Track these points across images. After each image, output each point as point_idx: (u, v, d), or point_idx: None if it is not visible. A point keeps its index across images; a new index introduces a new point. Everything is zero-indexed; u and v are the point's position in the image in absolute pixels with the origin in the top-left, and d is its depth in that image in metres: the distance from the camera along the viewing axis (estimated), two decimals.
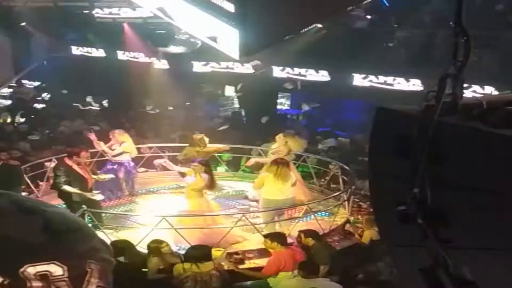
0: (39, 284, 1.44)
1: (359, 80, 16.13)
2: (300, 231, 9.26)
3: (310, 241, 8.94)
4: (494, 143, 1.83)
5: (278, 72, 18.07)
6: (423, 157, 1.90)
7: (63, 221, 1.54)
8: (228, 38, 7.30)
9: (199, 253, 8.06)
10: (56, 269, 1.45)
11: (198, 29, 8.74)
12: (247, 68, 18.29)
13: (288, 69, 17.77)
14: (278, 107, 21.94)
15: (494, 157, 1.82)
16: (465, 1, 2.06)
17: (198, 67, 19.67)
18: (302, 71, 17.51)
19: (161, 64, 20.21)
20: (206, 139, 12.37)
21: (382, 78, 15.64)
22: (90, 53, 21.19)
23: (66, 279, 1.45)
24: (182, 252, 8.62)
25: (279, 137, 12.25)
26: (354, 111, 17.30)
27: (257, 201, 11.48)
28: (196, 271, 7.75)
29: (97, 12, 14.75)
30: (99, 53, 20.94)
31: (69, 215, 1.65)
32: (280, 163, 10.52)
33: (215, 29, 7.76)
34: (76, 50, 21.51)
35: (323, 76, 17.07)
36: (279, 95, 21.79)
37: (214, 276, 7.86)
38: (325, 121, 18.77)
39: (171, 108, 21.01)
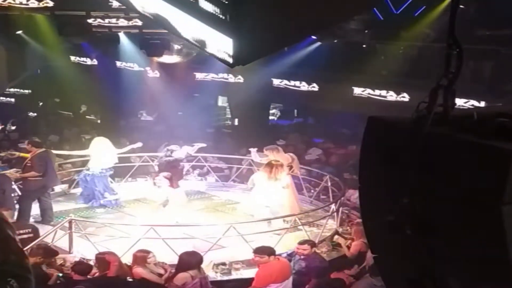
0: None
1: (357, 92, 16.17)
2: (301, 241, 9.11)
3: (310, 250, 8.81)
4: (484, 154, 1.82)
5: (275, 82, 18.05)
6: (413, 168, 1.89)
7: None
8: (222, 47, 7.28)
9: (194, 259, 7.92)
10: None
11: (192, 37, 8.71)
12: (239, 79, 18.34)
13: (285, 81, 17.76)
14: (270, 117, 22.03)
15: (484, 169, 1.81)
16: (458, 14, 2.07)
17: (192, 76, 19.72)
18: (297, 82, 17.49)
19: (155, 74, 20.20)
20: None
21: (377, 91, 15.65)
22: (85, 62, 21.18)
23: None
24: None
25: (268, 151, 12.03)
26: (346, 123, 17.31)
27: None
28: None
29: (93, 22, 14.80)
30: (94, 62, 20.90)
31: None
32: (274, 165, 10.95)
33: (208, 37, 7.71)
34: (71, 59, 21.46)
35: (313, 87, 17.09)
36: (271, 106, 21.90)
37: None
38: (317, 132, 18.70)
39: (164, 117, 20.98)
